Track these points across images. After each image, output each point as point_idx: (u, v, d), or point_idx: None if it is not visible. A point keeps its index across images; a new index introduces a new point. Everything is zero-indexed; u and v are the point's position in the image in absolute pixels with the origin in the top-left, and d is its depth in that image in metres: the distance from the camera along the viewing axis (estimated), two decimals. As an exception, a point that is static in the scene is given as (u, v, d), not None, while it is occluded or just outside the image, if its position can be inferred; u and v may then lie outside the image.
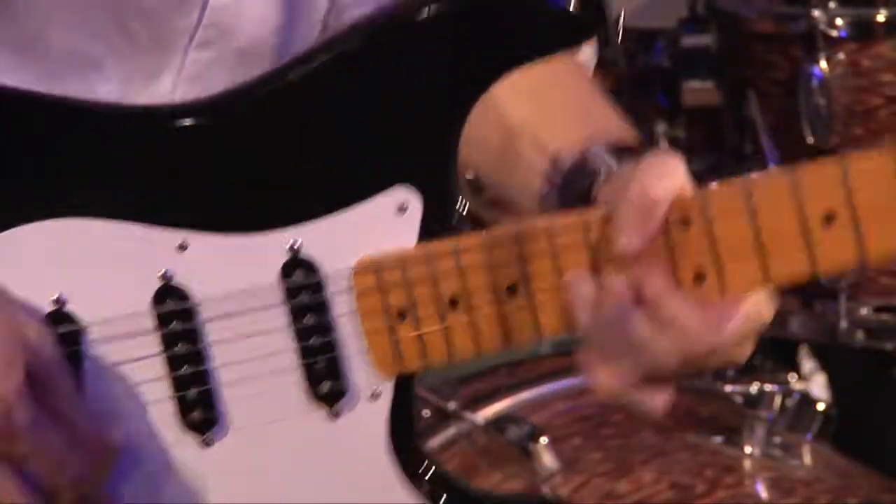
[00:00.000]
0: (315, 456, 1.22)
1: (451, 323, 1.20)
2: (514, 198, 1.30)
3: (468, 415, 2.32)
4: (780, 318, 2.49)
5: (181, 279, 1.19)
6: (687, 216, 1.14)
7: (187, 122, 1.21)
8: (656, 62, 2.64)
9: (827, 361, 2.58)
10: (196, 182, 1.21)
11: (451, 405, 2.33)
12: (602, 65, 2.91)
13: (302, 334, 1.20)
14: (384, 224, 1.20)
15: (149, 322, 1.19)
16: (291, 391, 1.21)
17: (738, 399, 2.42)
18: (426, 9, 1.20)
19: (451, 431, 2.29)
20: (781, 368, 2.53)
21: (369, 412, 1.22)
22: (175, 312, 1.19)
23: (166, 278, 1.19)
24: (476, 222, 1.27)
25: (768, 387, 2.40)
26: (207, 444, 1.21)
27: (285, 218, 1.20)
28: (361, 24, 1.23)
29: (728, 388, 2.44)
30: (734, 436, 2.31)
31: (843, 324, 2.43)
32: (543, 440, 2.22)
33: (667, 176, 1.15)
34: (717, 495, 2.18)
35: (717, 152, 2.66)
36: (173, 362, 1.19)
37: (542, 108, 1.31)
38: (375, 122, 1.22)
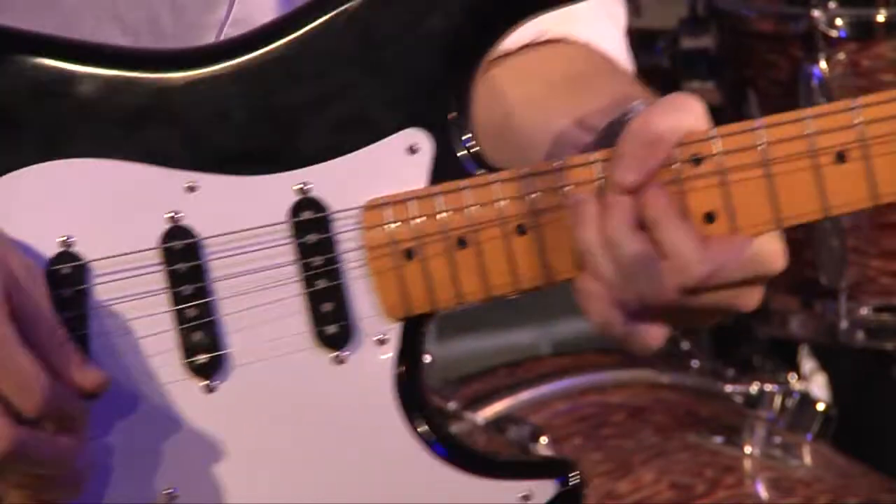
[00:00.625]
0: (319, 400, 1.22)
1: (459, 262, 1.20)
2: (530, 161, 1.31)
3: (468, 415, 2.32)
4: (780, 318, 2.49)
5: (189, 220, 1.20)
6: (698, 153, 1.14)
7: (196, 65, 1.21)
8: (656, 62, 2.63)
9: (827, 361, 2.58)
10: (205, 124, 1.21)
11: (452, 405, 2.33)
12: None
13: (309, 275, 1.20)
14: (394, 166, 1.20)
15: (155, 261, 1.20)
16: (297, 334, 1.21)
17: (738, 399, 2.42)
18: None
19: (451, 431, 2.29)
20: (781, 368, 2.53)
21: (375, 358, 1.22)
22: (181, 251, 1.20)
23: (174, 219, 1.20)
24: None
25: (768, 387, 2.40)
26: (211, 387, 1.21)
27: (295, 160, 1.21)
28: None
29: (728, 388, 2.44)
30: (734, 436, 2.31)
31: (843, 324, 2.43)
32: (543, 440, 2.22)
33: (675, 112, 1.14)
34: (717, 495, 2.18)
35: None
36: (178, 300, 1.20)
37: (566, 81, 1.31)
38: (387, 65, 1.22)
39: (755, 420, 2.32)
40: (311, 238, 1.20)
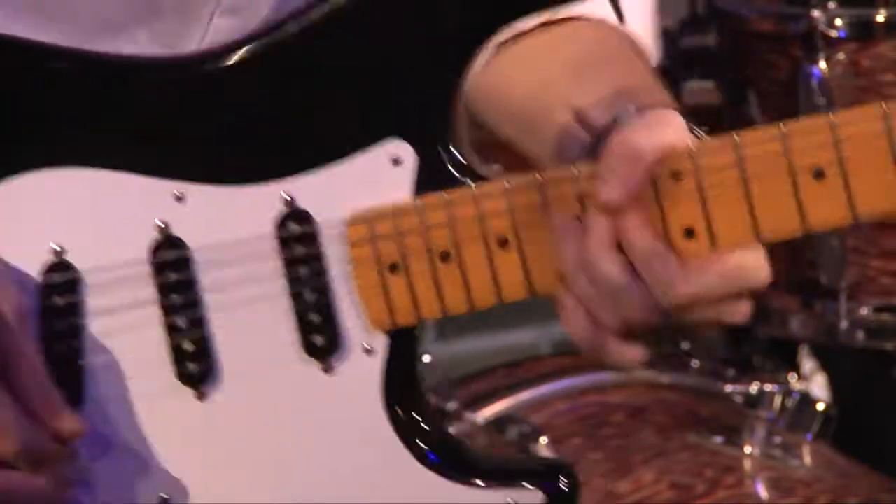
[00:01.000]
0: (309, 409, 1.22)
1: (443, 276, 1.20)
2: (538, 155, 1.30)
3: (468, 415, 2.32)
4: (780, 318, 2.49)
5: (178, 229, 1.20)
6: (678, 170, 1.14)
7: (183, 74, 1.21)
8: (656, 62, 2.63)
9: (827, 361, 2.58)
10: (193, 134, 1.21)
11: (451, 405, 2.33)
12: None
13: (296, 286, 1.21)
14: (378, 176, 1.21)
15: (145, 272, 1.20)
16: (285, 344, 1.21)
17: (738, 399, 2.42)
18: None
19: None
20: (781, 368, 2.53)
21: (363, 367, 1.22)
22: (171, 262, 1.20)
23: (163, 228, 1.20)
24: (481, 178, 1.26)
25: (768, 387, 2.40)
26: (202, 397, 1.21)
27: (280, 170, 1.21)
28: None
29: (728, 388, 2.44)
30: (734, 436, 2.31)
31: (843, 324, 2.43)
32: (543, 440, 2.22)
33: (656, 128, 1.14)
34: (717, 495, 2.18)
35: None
36: (168, 311, 1.20)
37: (570, 66, 1.31)
38: (370, 75, 1.22)
39: (755, 420, 2.32)
40: (298, 250, 1.21)
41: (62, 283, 1.19)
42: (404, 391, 1.24)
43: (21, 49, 1.20)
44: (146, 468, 1.21)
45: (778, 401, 2.39)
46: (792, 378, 2.48)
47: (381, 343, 1.22)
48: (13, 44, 1.20)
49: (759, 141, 1.14)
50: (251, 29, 1.25)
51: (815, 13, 2.36)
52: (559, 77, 1.30)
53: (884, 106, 1.12)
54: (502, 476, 1.24)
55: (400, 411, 1.23)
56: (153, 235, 1.21)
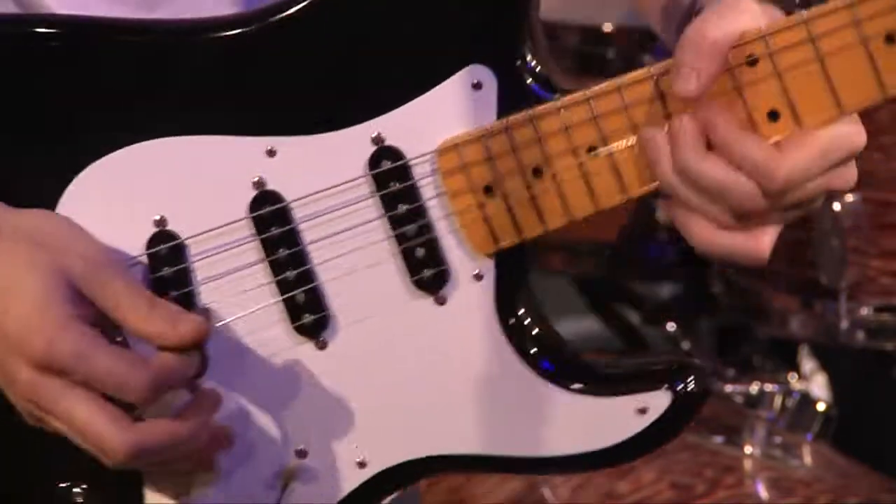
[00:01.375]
0: (426, 342, 1.22)
1: (538, 191, 1.20)
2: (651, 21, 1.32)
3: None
4: (780, 318, 2.50)
5: (273, 184, 1.21)
6: (753, 54, 1.15)
7: (262, 29, 1.22)
8: (656, 62, 2.63)
9: (827, 361, 2.58)
10: (276, 88, 1.21)
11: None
12: (600, 66, 2.92)
13: (396, 223, 1.21)
14: (462, 104, 1.21)
15: (247, 230, 1.21)
16: (395, 282, 1.21)
17: (738, 399, 2.42)
18: None
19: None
20: (781, 368, 2.53)
21: (475, 293, 1.22)
22: (271, 217, 1.21)
23: (259, 184, 1.21)
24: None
25: (768, 387, 2.40)
26: (321, 347, 1.22)
27: (366, 111, 1.21)
28: None
29: (728, 388, 2.44)
30: (734, 436, 2.31)
31: (844, 324, 2.43)
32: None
33: (727, 15, 1.14)
34: (717, 495, 2.18)
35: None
36: (276, 267, 1.21)
37: None
38: (442, 5, 1.22)
39: (755, 420, 2.32)
40: (394, 187, 1.21)
41: (167, 253, 1.20)
42: (518, 310, 1.23)
43: (97, 27, 1.20)
44: (278, 423, 1.22)
45: (778, 401, 2.39)
46: (792, 378, 2.48)
47: (488, 266, 1.22)
48: (91, 24, 1.20)
49: (828, 13, 1.14)
50: None
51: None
52: None
53: None
54: (630, 381, 1.23)
55: (517, 330, 1.23)
56: (250, 193, 1.21)
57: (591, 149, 1.19)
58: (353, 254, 1.22)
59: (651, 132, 1.17)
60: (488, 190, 1.21)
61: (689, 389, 1.22)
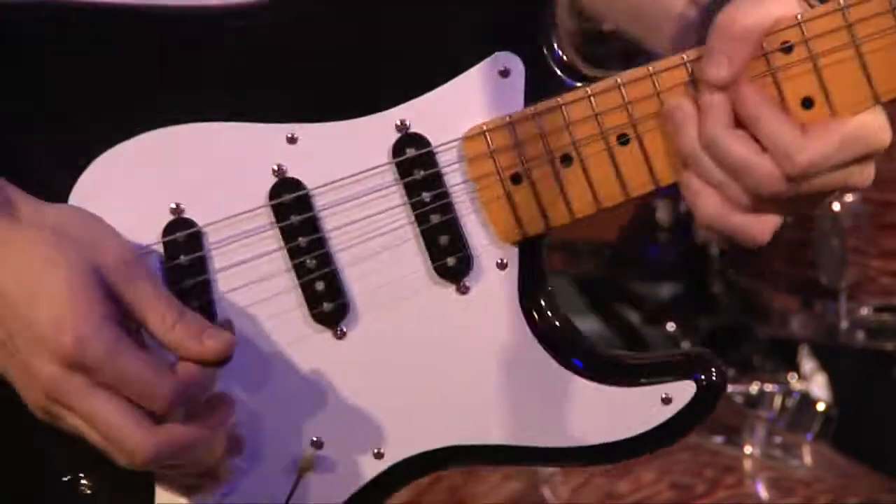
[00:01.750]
0: (447, 331, 1.21)
1: (567, 179, 1.19)
2: (655, 43, 1.30)
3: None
4: (780, 318, 2.49)
5: (294, 171, 1.20)
6: (788, 40, 1.14)
7: (283, 15, 1.20)
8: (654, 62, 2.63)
9: (827, 361, 2.58)
10: (297, 74, 1.20)
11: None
12: (599, 66, 2.91)
13: (420, 211, 1.20)
14: (489, 91, 1.19)
15: (267, 217, 1.20)
16: (417, 271, 1.20)
17: (738, 399, 2.42)
18: None
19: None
20: (781, 368, 2.53)
21: (498, 282, 1.22)
22: (292, 205, 1.19)
23: (280, 172, 1.20)
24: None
25: (768, 387, 2.40)
26: (340, 336, 1.21)
27: (390, 98, 1.20)
28: None
29: (728, 388, 2.43)
30: (734, 436, 2.31)
31: (844, 324, 2.43)
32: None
33: (761, 2, 1.14)
34: (717, 495, 2.18)
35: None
36: (295, 255, 1.20)
37: None
38: None
39: (755, 420, 2.32)
40: (418, 175, 1.20)
41: (184, 241, 1.19)
42: (540, 300, 1.22)
43: (113, 12, 1.19)
44: (295, 413, 1.21)
45: (778, 401, 2.39)
46: (792, 378, 2.48)
47: (512, 255, 1.22)
48: (107, 8, 1.19)
49: (864, 1, 1.13)
50: None
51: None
52: None
53: None
54: (655, 372, 1.23)
55: (540, 321, 1.22)
56: (270, 180, 1.20)
57: (622, 136, 1.18)
58: (374, 241, 1.21)
59: (679, 102, 1.17)
60: (516, 177, 1.20)
61: (712, 380, 1.22)
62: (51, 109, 1.18)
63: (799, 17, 1.14)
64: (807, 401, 2.40)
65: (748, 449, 2.27)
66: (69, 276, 1.11)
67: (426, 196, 1.20)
